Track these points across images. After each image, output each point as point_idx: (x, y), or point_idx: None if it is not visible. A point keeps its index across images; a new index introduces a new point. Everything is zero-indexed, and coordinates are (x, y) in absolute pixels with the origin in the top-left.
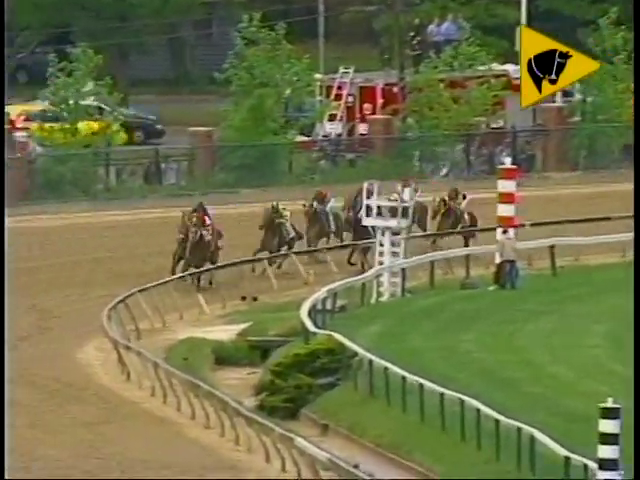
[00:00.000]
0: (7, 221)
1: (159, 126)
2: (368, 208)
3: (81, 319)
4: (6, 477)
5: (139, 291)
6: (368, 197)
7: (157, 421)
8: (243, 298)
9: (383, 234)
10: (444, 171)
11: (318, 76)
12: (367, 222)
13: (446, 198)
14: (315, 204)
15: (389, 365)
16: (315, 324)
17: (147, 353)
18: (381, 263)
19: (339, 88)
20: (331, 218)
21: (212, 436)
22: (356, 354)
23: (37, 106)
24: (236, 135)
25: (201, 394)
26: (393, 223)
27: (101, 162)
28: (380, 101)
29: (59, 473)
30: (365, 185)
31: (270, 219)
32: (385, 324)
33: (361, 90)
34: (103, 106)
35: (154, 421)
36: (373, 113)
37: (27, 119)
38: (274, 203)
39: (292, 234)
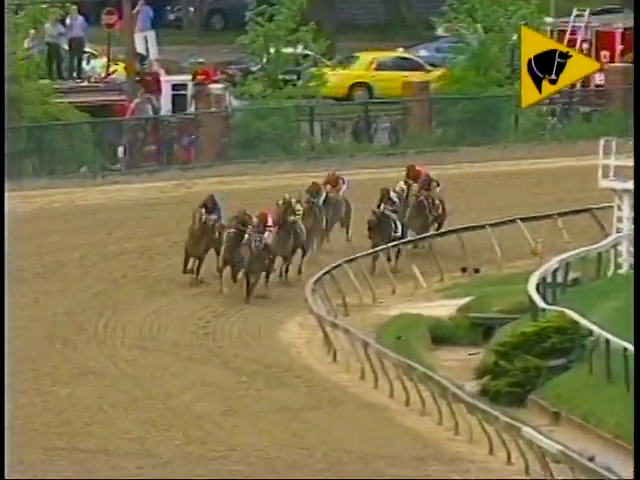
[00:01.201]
0: (206, 182)
1: None
2: (605, 168)
3: (283, 292)
4: (6, 477)
5: (346, 262)
6: (606, 156)
7: (367, 407)
8: (463, 270)
9: (621, 198)
10: None
11: (548, 20)
12: (603, 184)
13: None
14: (308, 197)
15: (628, 346)
16: (544, 299)
17: (356, 331)
18: (619, 230)
19: (572, 33)
20: (323, 214)
21: (429, 424)
22: (591, 333)
23: (392, 52)
24: (455, 87)
25: (416, 377)
26: (632, 185)
27: (305, 117)
28: (619, 47)
29: (258, 465)
30: (601, 142)
31: (283, 217)
32: (624, 299)
33: (598, 35)
34: (310, 54)
35: (364, 407)
36: (611, 61)
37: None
38: (286, 196)
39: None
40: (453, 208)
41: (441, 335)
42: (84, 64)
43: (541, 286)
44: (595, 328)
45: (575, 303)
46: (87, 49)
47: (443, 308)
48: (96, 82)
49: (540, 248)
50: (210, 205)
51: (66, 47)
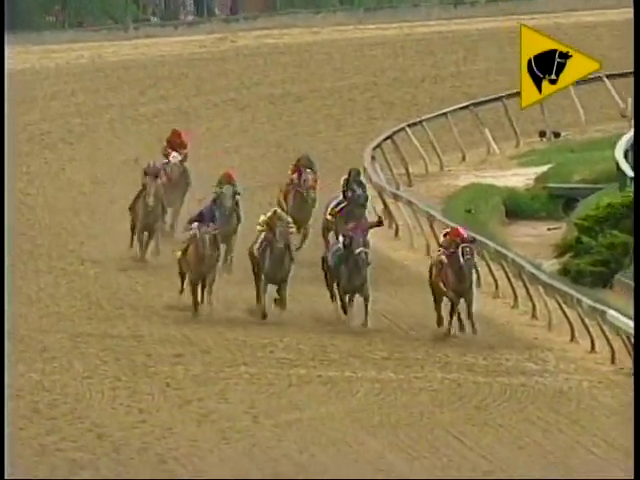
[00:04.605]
0: (251, 35)
1: None
2: None
3: (336, 161)
4: (6, 477)
5: (409, 125)
6: None
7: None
8: (542, 134)
9: None
10: None
11: None
12: None
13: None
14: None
15: None
16: (633, 167)
17: (420, 203)
18: None
19: None
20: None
21: (502, 308)
22: None
23: None
24: None
25: (488, 255)
26: None
27: None
28: None
29: (308, 352)
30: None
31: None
32: None
33: None
34: None
35: (427, 288)
36: None
37: None
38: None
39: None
40: None
41: (516, 208)
42: None
43: (630, 152)
44: None
45: None
46: None
47: (518, 177)
48: None
49: (630, 109)
50: (207, 214)
51: None
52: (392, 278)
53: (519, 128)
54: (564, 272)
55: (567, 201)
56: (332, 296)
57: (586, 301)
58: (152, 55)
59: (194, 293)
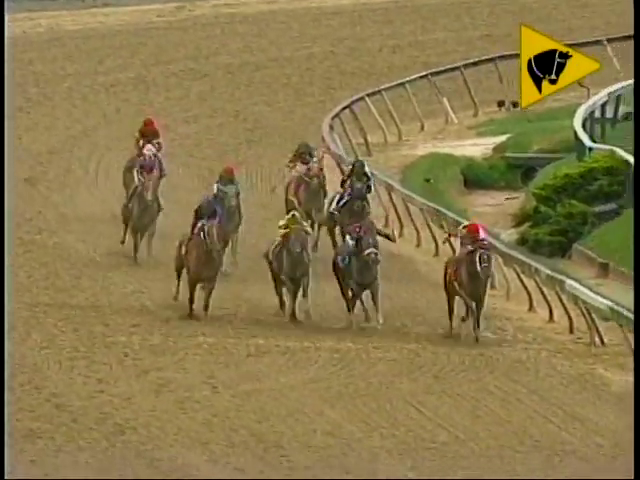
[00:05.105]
0: (209, 4)
1: None
2: None
3: (294, 131)
4: (6, 477)
5: (368, 95)
6: None
7: (391, 258)
8: (500, 103)
9: None
10: None
11: None
12: None
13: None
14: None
15: None
16: (592, 136)
17: (378, 173)
18: None
19: None
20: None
21: None
22: None
23: None
24: None
25: (446, 224)
26: None
27: None
28: None
29: (266, 324)
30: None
31: None
32: None
33: None
34: None
35: (387, 258)
36: None
37: None
38: None
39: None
40: (489, 32)
41: (474, 177)
42: None
43: (588, 122)
44: None
45: (627, 141)
46: None
47: (477, 147)
48: None
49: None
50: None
51: None
52: None
53: (477, 98)
54: (522, 241)
55: (525, 171)
56: (344, 294)
57: (544, 270)
58: (110, 24)
59: (192, 293)
